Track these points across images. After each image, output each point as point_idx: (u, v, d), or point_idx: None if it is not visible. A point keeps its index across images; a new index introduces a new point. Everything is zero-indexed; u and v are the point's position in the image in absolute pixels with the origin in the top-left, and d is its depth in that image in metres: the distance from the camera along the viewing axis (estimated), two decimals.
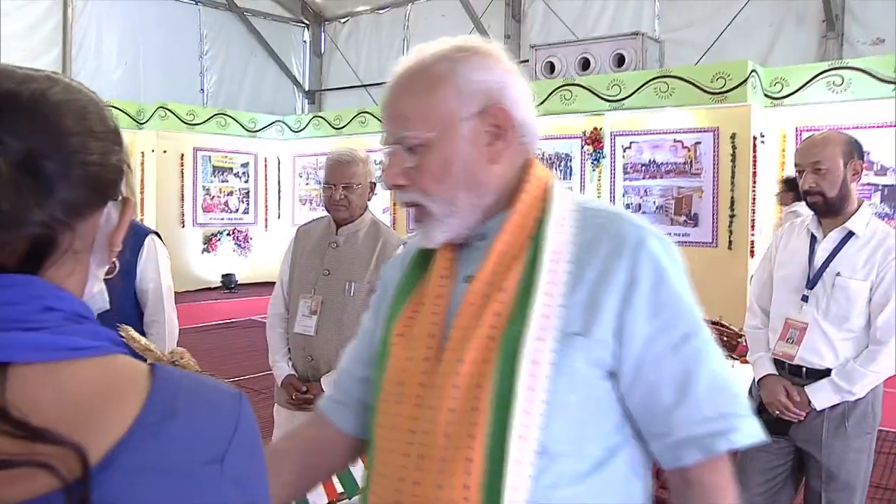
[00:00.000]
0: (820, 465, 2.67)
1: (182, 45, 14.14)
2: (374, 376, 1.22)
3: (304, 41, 16.08)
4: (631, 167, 9.01)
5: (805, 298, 2.71)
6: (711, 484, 1.10)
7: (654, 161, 8.83)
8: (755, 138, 8.10)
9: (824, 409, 2.65)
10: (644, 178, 8.89)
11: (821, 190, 2.66)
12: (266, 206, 13.57)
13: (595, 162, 9.19)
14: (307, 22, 15.96)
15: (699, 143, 8.42)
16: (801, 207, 7.45)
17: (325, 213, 3.08)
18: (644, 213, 8.82)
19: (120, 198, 0.75)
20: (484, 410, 1.04)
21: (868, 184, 8.02)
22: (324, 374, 2.91)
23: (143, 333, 2.98)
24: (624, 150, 9.05)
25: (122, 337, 1.82)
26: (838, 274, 2.64)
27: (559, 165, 9.60)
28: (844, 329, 2.64)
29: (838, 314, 2.64)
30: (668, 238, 1.15)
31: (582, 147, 9.30)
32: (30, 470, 0.58)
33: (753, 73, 8.10)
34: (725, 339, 3.74)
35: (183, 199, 12.22)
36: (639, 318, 1.07)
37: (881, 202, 8.00)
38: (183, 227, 12.20)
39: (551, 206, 1.14)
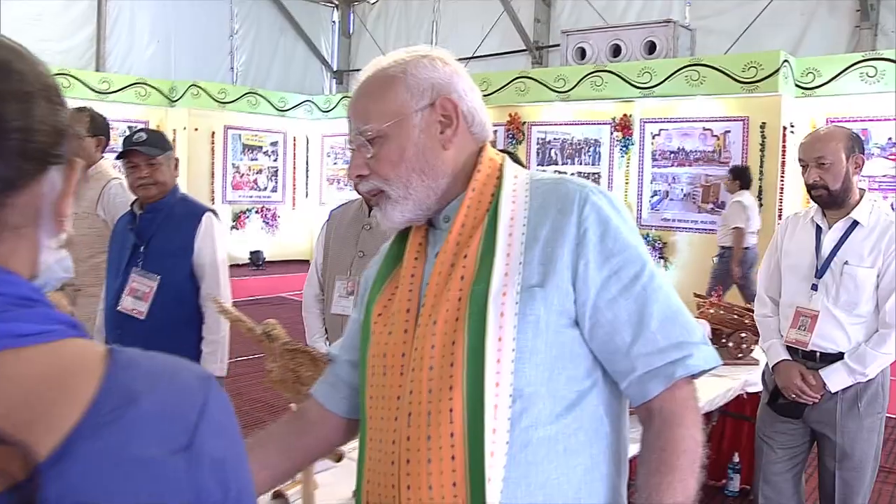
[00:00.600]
0: (834, 445, 2.79)
1: (213, 24, 14.25)
2: (359, 357, 1.35)
3: (334, 21, 16.14)
4: (659, 154, 9.05)
5: (815, 287, 2.82)
6: (671, 411, 1.19)
7: (682, 149, 8.87)
8: (785, 128, 8.12)
9: (837, 392, 2.76)
10: (672, 165, 8.93)
11: (825, 184, 2.76)
12: (294, 185, 13.73)
13: (624, 148, 9.24)
14: (337, 2, 16.02)
15: (728, 131, 8.45)
16: (746, 197, 7.62)
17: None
18: (671, 200, 8.89)
19: (64, 161, 0.68)
20: (459, 363, 1.16)
21: None
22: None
23: (199, 307, 3.12)
24: (653, 137, 9.09)
25: (216, 307, 1.93)
26: (846, 262, 2.76)
27: (587, 151, 9.66)
28: (854, 315, 2.75)
29: (848, 301, 2.75)
30: (610, 193, 1.28)
31: (611, 133, 9.34)
32: None
33: (785, 64, 8.10)
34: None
35: (213, 177, 12.40)
36: (590, 267, 1.19)
37: None
38: (213, 204, 12.37)
39: (503, 182, 1.27)
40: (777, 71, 7.96)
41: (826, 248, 2.82)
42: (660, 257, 8.90)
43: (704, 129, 8.65)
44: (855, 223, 2.79)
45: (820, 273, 2.82)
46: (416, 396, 1.20)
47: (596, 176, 9.52)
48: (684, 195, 8.82)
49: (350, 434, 1.44)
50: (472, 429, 1.14)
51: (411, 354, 1.23)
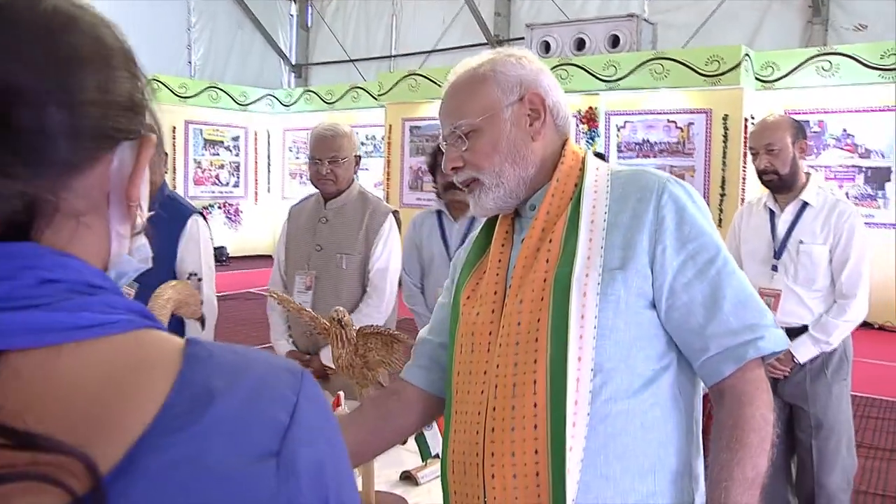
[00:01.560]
0: (808, 416, 2.94)
1: (170, 17, 14.01)
2: (448, 339, 1.44)
3: (291, 15, 16.01)
4: (625, 146, 9.24)
5: (774, 268, 3.01)
6: (742, 391, 1.26)
7: (647, 140, 9.07)
8: (746, 120, 8.37)
9: (805, 364, 2.92)
10: (637, 157, 9.12)
11: (775, 169, 2.97)
12: (256, 180, 13.61)
13: (590, 141, 9.40)
14: None
15: (692, 123, 8.68)
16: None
17: (315, 189, 3.08)
18: None
19: (135, 137, 0.59)
20: (543, 339, 1.25)
21: (852, 166, 8.35)
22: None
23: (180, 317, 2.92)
24: (618, 130, 9.27)
25: (275, 298, 1.97)
26: (801, 242, 2.96)
27: None
28: (813, 290, 2.94)
29: (806, 277, 2.95)
30: (688, 184, 1.37)
31: (577, 126, 9.50)
32: (33, 484, 0.47)
33: (746, 57, 8.35)
34: None
35: (175, 172, 12.23)
36: (668, 252, 1.26)
37: (864, 183, 8.33)
38: (171, 200, 12.21)
39: (586, 173, 1.36)
40: (738, 64, 8.20)
41: (781, 230, 3.01)
42: None
43: (669, 121, 8.86)
44: (805, 204, 2.98)
45: (778, 254, 3.00)
46: (502, 370, 1.28)
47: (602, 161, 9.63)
48: None
49: (440, 413, 1.51)
50: (554, 400, 1.21)
51: (498, 332, 1.31)
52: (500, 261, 1.40)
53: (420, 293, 3.41)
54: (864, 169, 8.33)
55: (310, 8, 15.93)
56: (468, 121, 1.36)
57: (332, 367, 2.62)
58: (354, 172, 3.10)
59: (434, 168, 3.32)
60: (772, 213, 3.07)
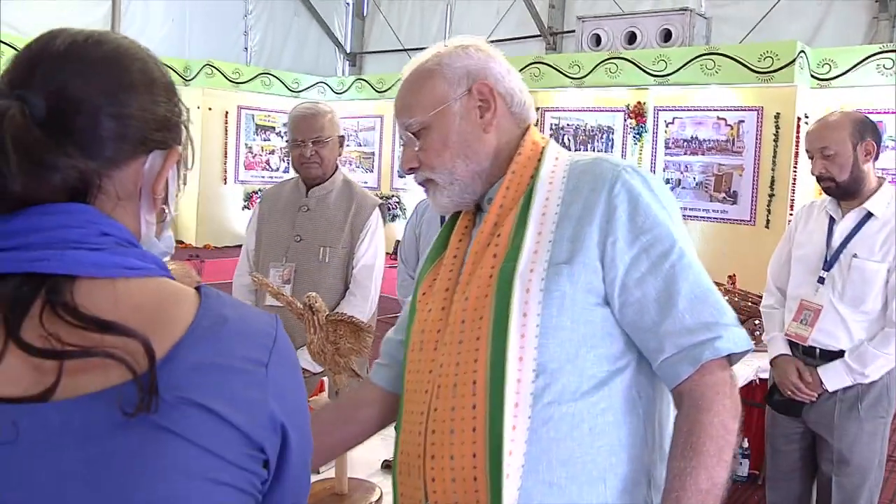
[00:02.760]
0: (831, 449, 2.66)
1: (227, 3, 14.22)
2: (405, 336, 1.41)
3: (347, 3, 16.09)
4: (672, 142, 9.05)
5: (821, 280, 2.69)
6: (700, 395, 1.18)
7: (696, 137, 8.86)
8: (799, 119, 8.11)
9: (837, 391, 2.63)
10: (685, 153, 8.93)
11: (831, 175, 2.64)
12: None
13: (637, 136, 9.24)
14: None
15: (742, 121, 8.44)
16: None
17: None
18: (683, 188, 8.88)
19: (165, 147, 0.80)
20: (485, 338, 1.20)
21: None
22: (299, 347, 2.53)
23: None
24: (667, 126, 9.08)
25: (257, 282, 1.99)
26: (855, 255, 2.62)
27: (601, 138, 9.66)
28: (860, 311, 2.62)
29: (854, 296, 2.62)
30: (646, 171, 1.29)
31: (625, 120, 9.34)
32: (103, 361, 0.66)
33: (801, 54, 8.08)
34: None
35: (226, 157, 12.44)
36: (619, 245, 1.20)
37: None
38: (225, 183, 12.42)
39: (543, 163, 1.31)
40: (793, 61, 7.94)
41: (836, 239, 2.69)
42: None
43: (718, 118, 8.64)
44: (869, 214, 2.65)
45: (828, 265, 2.69)
46: (444, 369, 1.25)
47: (565, 151, 9.49)
48: (696, 184, 8.83)
49: None
50: (493, 401, 1.16)
51: (446, 330, 1.28)
52: (455, 256, 1.36)
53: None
54: None
55: None
56: (417, 118, 1.33)
57: (310, 369, 2.57)
58: (339, 155, 2.93)
59: None
60: (831, 219, 2.74)
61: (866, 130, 2.68)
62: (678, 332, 1.20)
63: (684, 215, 8.70)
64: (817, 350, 2.70)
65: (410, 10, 15.13)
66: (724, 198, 8.62)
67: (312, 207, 2.86)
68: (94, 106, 0.73)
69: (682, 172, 8.99)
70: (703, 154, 8.76)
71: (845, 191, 2.68)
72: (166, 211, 0.83)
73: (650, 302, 1.20)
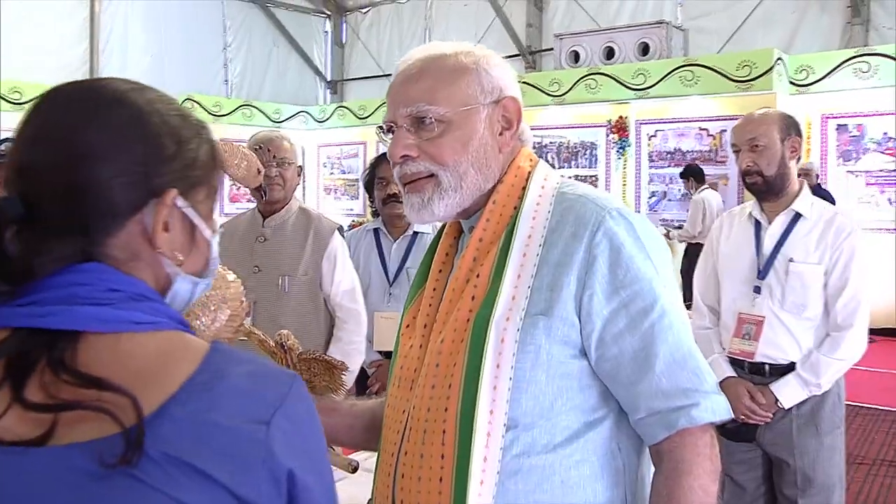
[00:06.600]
0: (793, 471, 2.48)
1: (206, 36, 14.24)
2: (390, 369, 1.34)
3: (326, 32, 16.15)
4: (656, 155, 9.07)
5: (757, 290, 2.53)
6: (679, 458, 1.11)
7: (679, 149, 8.88)
8: None
9: (792, 408, 2.46)
10: (669, 165, 8.94)
11: (758, 169, 2.52)
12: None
13: (620, 150, 9.26)
14: (329, 12, 16.02)
15: (724, 130, 8.46)
16: (709, 192, 8.03)
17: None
18: (669, 200, 8.90)
19: (160, 195, 0.79)
20: (456, 386, 1.13)
21: (895, 170, 8.05)
22: None
23: None
24: (649, 139, 9.10)
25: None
26: (791, 259, 2.48)
27: (584, 154, 9.67)
28: (803, 318, 2.46)
29: (795, 302, 2.46)
30: (635, 215, 1.19)
31: (607, 136, 9.36)
32: (95, 414, 0.68)
33: (779, 61, 8.13)
34: None
35: None
36: (596, 298, 1.12)
37: None
38: None
39: (527, 194, 1.20)
40: (771, 69, 7.99)
41: (767, 244, 2.53)
42: None
43: (700, 128, 8.67)
44: (798, 215, 2.50)
45: (762, 273, 2.52)
46: (416, 412, 1.18)
47: (593, 179, 9.53)
48: (682, 195, 8.83)
49: None
50: (461, 454, 1.11)
51: (421, 370, 1.21)
52: (434, 289, 1.28)
53: None
54: None
55: (344, 24, 16.07)
56: (440, 108, 1.19)
57: None
58: (297, 185, 2.89)
59: (371, 182, 3.14)
60: (758, 224, 2.58)
61: (792, 127, 2.58)
62: (653, 394, 1.13)
63: (671, 227, 8.75)
64: (766, 366, 2.51)
65: (389, 35, 15.20)
66: None
67: (269, 237, 2.79)
68: (58, 192, 0.75)
69: (667, 185, 9.00)
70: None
71: (771, 188, 2.54)
72: (179, 257, 0.82)
73: (627, 360, 1.13)
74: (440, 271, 1.30)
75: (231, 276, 1.78)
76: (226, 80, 14.69)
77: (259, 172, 2.01)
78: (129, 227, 0.78)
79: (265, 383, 0.76)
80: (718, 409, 1.14)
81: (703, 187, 8.00)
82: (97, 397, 0.69)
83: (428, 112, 1.19)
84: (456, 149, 1.20)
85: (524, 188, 1.22)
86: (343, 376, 1.70)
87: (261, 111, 13.11)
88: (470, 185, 1.21)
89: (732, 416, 1.19)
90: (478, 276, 1.18)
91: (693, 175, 8.08)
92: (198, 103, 12.22)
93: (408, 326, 1.31)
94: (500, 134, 1.24)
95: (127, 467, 0.67)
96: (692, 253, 7.41)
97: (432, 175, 1.21)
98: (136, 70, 13.32)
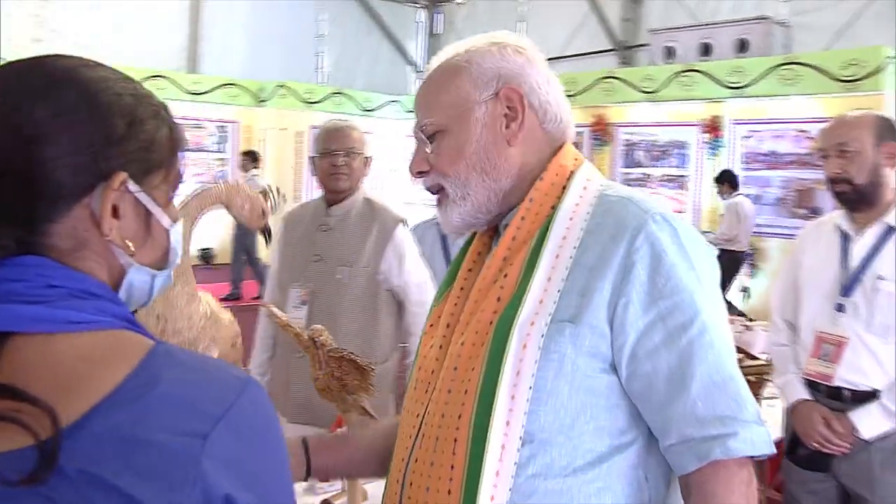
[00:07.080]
0: None
1: (301, 24, 14.50)
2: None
3: (419, 22, 16.22)
4: (750, 157, 8.70)
5: (841, 308, 2.34)
6: (711, 492, 1.03)
7: (774, 151, 8.50)
8: None
9: (873, 440, 2.26)
10: (764, 168, 8.57)
11: (847, 176, 2.31)
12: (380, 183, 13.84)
13: (713, 151, 8.93)
14: (424, 3, 16.09)
15: None
16: (742, 198, 7.86)
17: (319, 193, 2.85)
18: (763, 204, 8.53)
19: (108, 179, 0.73)
20: (472, 393, 1.06)
21: None
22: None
23: None
24: (743, 140, 8.75)
25: (267, 311, 1.92)
26: (880, 277, 2.28)
27: (674, 153, 9.38)
28: (892, 342, 2.26)
29: (883, 324, 2.26)
30: (680, 221, 1.10)
31: (699, 135, 9.04)
32: (8, 425, 0.62)
33: (890, 60, 7.66)
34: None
35: (299, 175, 12.64)
36: (632, 307, 1.04)
37: None
38: (295, 201, 12.62)
39: (567, 193, 1.13)
40: (880, 68, 7.53)
41: (855, 259, 2.34)
42: (750, 264, 8.54)
43: (799, 130, 8.26)
44: (891, 229, 2.31)
45: (847, 290, 2.34)
46: (430, 418, 1.12)
47: (683, 179, 9.24)
48: (776, 200, 8.45)
49: None
50: (472, 467, 1.03)
51: (440, 373, 1.14)
52: (462, 288, 1.21)
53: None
54: None
55: (438, 15, 16.09)
56: (433, 119, 1.16)
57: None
58: (365, 175, 2.86)
59: None
60: (845, 236, 2.39)
61: (889, 131, 2.35)
62: (686, 419, 1.03)
63: (764, 232, 8.41)
64: (845, 391, 2.33)
65: (484, 28, 14.97)
66: (806, 214, 8.21)
67: (332, 226, 2.77)
68: None
69: (761, 188, 8.63)
70: (782, 169, 8.39)
71: (861, 197, 2.34)
72: (130, 246, 0.75)
73: (660, 379, 1.04)
74: (470, 270, 1.23)
75: (227, 318, 1.78)
76: (318, 68, 14.94)
77: (263, 214, 2.01)
78: (74, 213, 0.72)
79: (207, 390, 0.68)
80: (759, 441, 1.04)
81: (736, 193, 8.00)
82: (13, 406, 0.63)
83: (427, 124, 1.17)
84: (453, 157, 1.16)
85: (564, 187, 1.15)
86: (372, 376, 1.67)
87: (351, 99, 13.27)
88: (477, 190, 1.16)
89: (774, 451, 1.07)
90: (506, 276, 1.12)
91: (728, 180, 8.09)
92: (290, 90, 12.47)
93: (431, 326, 1.25)
94: (507, 127, 1.16)
95: (36, 485, 0.61)
96: (724, 260, 7.11)
97: (443, 187, 1.18)
98: (235, 57, 13.72)
